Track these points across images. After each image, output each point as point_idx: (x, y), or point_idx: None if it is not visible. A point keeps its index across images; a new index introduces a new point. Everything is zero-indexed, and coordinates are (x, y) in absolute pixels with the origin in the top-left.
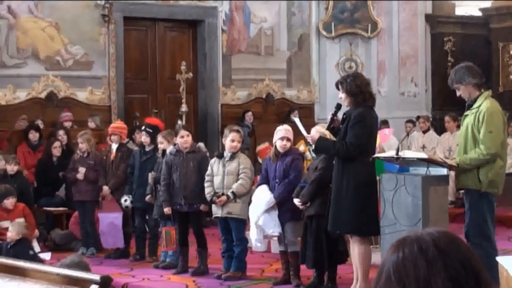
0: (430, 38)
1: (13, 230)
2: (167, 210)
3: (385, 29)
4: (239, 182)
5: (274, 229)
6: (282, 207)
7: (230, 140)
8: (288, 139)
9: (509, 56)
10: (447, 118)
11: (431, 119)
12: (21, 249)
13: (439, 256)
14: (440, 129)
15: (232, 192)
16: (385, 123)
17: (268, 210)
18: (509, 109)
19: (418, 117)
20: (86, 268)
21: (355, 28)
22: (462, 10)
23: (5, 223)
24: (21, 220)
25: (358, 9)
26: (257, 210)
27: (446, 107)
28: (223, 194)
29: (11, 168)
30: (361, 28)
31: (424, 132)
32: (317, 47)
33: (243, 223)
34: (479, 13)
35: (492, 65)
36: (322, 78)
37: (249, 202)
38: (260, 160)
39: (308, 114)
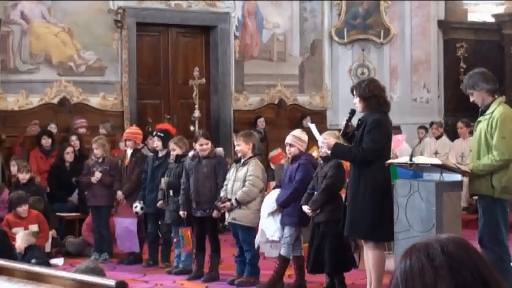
0: (442, 44)
1: (19, 239)
2: (182, 213)
3: (397, 34)
4: (243, 189)
5: (274, 233)
6: (284, 210)
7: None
8: (291, 145)
9: None
10: (459, 124)
11: (443, 125)
12: (32, 258)
13: (446, 262)
14: (453, 135)
15: (236, 199)
16: (397, 129)
17: (272, 214)
18: None
19: (431, 123)
20: (101, 274)
21: (368, 34)
22: (475, 16)
23: (19, 230)
24: (32, 228)
25: (371, 14)
26: (263, 214)
27: (458, 113)
28: (228, 200)
29: (23, 177)
30: (374, 33)
31: (437, 138)
32: (329, 52)
33: (251, 229)
34: (492, 19)
35: (505, 70)
36: (335, 84)
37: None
38: (272, 166)
39: (320, 120)
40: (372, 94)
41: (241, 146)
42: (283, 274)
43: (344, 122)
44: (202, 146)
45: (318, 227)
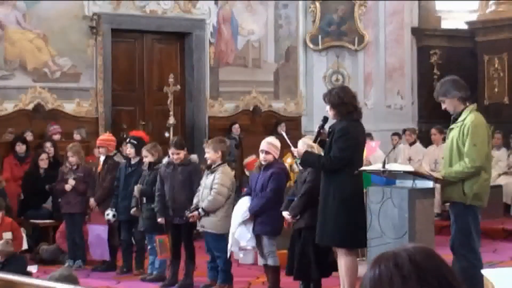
0: (416, 51)
1: None
2: (160, 220)
3: (372, 42)
4: (208, 198)
5: (248, 242)
6: (257, 219)
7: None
8: (267, 152)
9: (494, 69)
10: (433, 130)
11: (417, 131)
12: (14, 268)
13: (414, 271)
14: (427, 142)
15: (202, 208)
16: (369, 136)
17: (245, 222)
18: (495, 122)
19: (404, 130)
20: (75, 282)
21: (342, 41)
22: (448, 23)
23: None
24: (6, 236)
25: (345, 21)
26: (234, 221)
27: (432, 120)
28: (196, 209)
29: None
30: (348, 40)
31: (411, 144)
32: (304, 59)
33: (220, 236)
34: (465, 26)
35: (478, 77)
36: (309, 90)
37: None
38: (247, 173)
39: (295, 126)
40: (342, 101)
41: (210, 153)
42: (279, 284)
43: (316, 130)
44: (174, 155)
45: (298, 233)
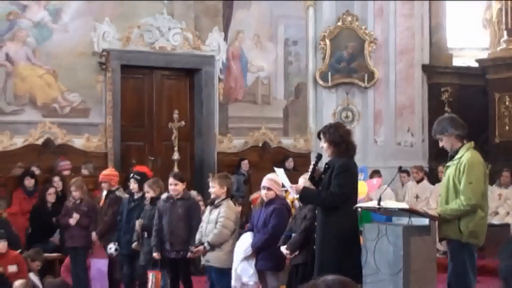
0: (427, 88)
1: None
2: (156, 255)
3: (382, 79)
4: (214, 231)
5: (250, 278)
6: (259, 255)
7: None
8: (268, 188)
9: (505, 107)
10: (440, 168)
11: (427, 169)
12: None
13: None
14: (437, 179)
15: (207, 242)
16: (377, 173)
17: (247, 258)
18: (505, 160)
19: (412, 167)
20: None
21: (352, 78)
22: (459, 61)
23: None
24: (11, 269)
25: (355, 58)
26: (237, 257)
27: (442, 157)
28: (201, 243)
29: None
30: (358, 77)
31: (418, 182)
32: (314, 96)
33: (224, 271)
34: (476, 64)
35: (489, 115)
36: (319, 127)
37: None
38: (253, 208)
39: (304, 163)
40: (343, 140)
41: (216, 188)
42: None
43: (311, 167)
44: (172, 186)
45: (296, 269)
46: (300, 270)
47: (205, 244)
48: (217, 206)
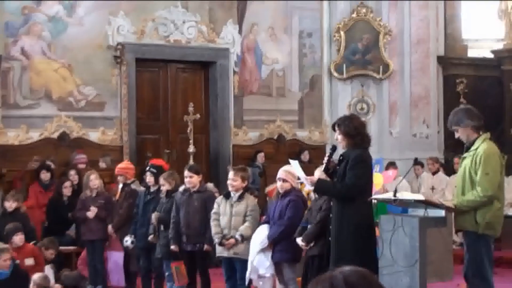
0: (442, 80)
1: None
2: (173, 247)
3: (397, 70)
4: (247, 224)
5: (266, 270)
6: (276, 247)
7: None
8: (284, 180)
9: None
10: (456, 159)
11: (442, 160)
12: None
13: None
14: (453, 171)
15: (241, 235)
16: (393, 164)
17: (263, 250)
18: None
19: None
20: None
21: (367, 70)
22: (475, 52)
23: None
24: (28, 262)
25: (370, 50)
26: (253, 249)
27: (458, 149)
28: (231, 236)
29: (9, 205)
30: (373, 69)
31: (434, 173)
32: (329, 88)
33: (246, 263)
34: (491, 55)
35: (504, 106)
36: (334, 119)
37: None
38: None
39: (319, 155)
40: (358, 132)
41: (238, 181)
42: None
43: (325, 158)
44: (187, 178)
45: (312, 261)
46: (315, 262)
47: (237, 237)
48: (240, 199)
